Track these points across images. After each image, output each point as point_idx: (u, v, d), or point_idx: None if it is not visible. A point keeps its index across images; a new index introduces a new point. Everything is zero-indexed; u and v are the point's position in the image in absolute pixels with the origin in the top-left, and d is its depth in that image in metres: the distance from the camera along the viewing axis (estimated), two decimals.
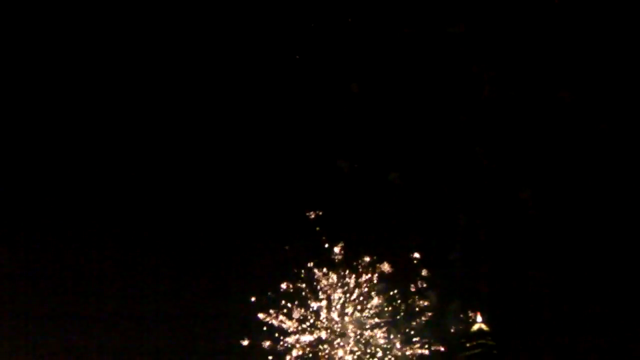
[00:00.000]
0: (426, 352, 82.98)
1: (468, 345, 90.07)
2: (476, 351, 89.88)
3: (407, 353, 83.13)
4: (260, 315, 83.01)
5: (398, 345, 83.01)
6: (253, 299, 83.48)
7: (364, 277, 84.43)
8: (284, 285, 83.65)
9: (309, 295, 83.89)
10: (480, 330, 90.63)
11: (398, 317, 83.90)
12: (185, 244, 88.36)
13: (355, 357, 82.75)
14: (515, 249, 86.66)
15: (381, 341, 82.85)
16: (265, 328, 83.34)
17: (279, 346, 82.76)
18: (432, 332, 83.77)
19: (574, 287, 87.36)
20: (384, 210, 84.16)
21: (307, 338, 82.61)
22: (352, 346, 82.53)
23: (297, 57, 74.40)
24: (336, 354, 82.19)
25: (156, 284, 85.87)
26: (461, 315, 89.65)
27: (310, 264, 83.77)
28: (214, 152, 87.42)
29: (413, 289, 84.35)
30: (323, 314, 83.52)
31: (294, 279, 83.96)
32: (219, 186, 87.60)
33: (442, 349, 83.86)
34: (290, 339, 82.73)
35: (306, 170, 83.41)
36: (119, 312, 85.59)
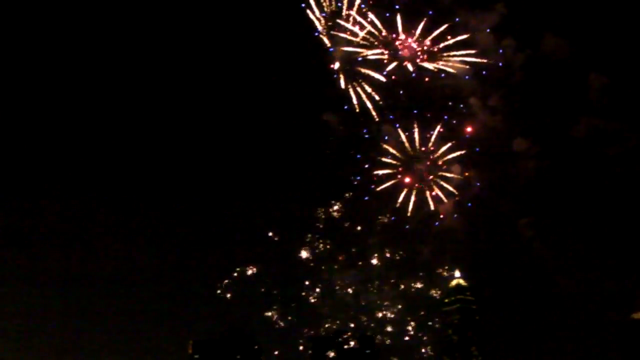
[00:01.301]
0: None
1: (447, 300, 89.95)
2: (456, 306, 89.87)
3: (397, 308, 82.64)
4: None
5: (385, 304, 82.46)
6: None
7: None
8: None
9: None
10: (458, 285, 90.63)
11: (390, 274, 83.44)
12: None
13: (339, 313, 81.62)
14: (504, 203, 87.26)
15: (372, 297, 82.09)
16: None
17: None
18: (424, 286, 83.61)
19: (559, 240, 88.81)
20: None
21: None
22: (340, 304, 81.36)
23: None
24: (325, 310, 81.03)
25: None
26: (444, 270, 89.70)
27: None
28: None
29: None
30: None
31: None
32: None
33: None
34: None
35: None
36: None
